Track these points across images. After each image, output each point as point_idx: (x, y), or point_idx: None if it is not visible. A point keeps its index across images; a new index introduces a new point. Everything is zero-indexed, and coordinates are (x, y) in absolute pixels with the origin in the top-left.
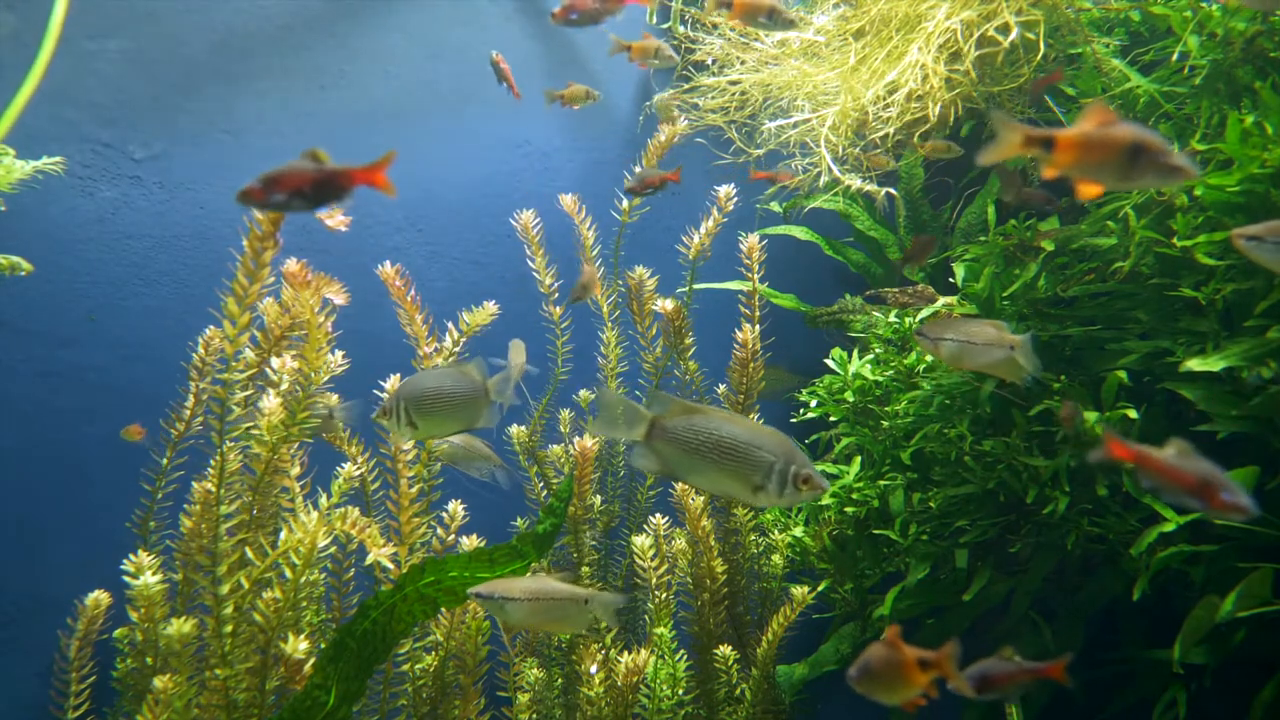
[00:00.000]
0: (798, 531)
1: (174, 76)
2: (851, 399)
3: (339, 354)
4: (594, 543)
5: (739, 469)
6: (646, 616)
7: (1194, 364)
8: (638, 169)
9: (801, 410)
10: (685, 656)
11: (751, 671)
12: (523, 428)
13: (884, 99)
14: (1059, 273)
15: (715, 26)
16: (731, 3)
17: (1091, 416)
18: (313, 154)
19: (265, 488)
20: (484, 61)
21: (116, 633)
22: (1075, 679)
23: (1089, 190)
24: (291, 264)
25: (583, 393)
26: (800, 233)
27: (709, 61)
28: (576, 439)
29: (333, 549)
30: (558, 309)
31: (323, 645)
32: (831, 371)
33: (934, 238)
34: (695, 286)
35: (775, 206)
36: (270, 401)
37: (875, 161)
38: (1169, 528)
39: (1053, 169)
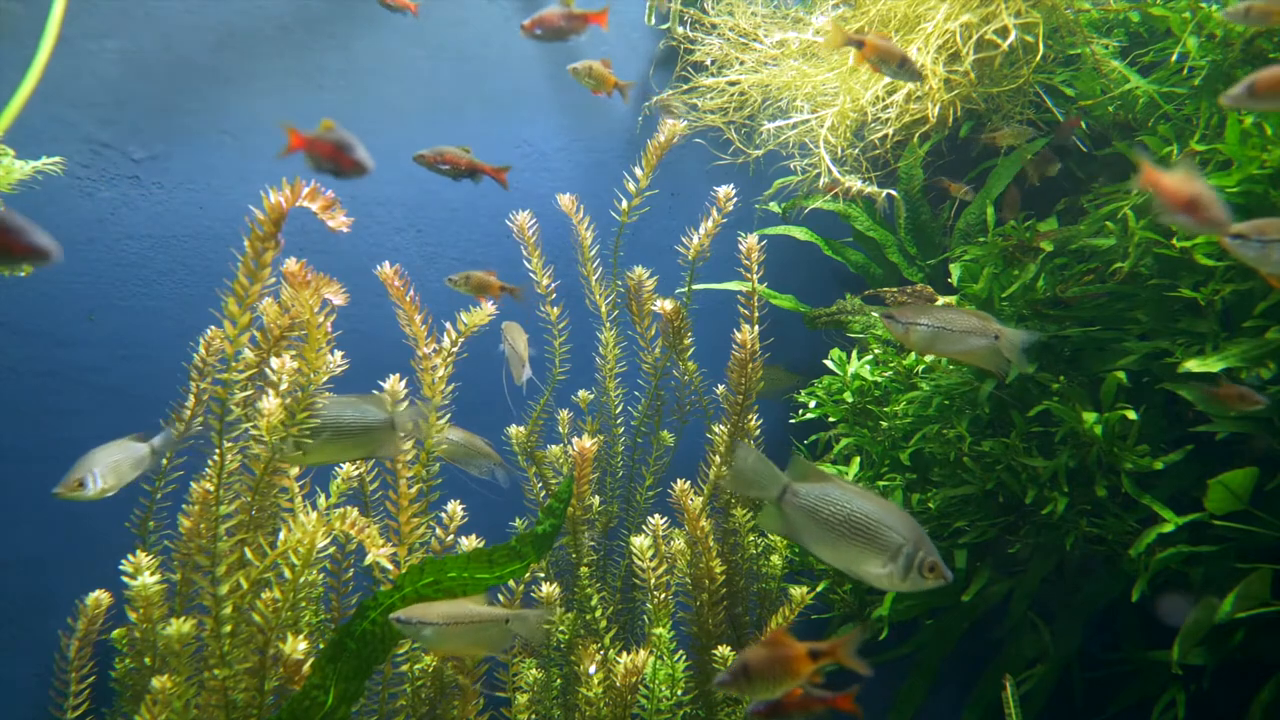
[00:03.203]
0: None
1: (173, 77)
2: (850, 400)
3: (338, 354)
4: (593, 543)
5: (867, 547)
6: (645, 617)
7: (1193, 365)
8: (441, 148)
9: (801, 411)
10: (684, 657)
11: None
12: (521, 428)
13: (883, 100)
14: (1058, 273)
15: (714, 27)
16: (863, 44)
17: (1090, 417)
18: None
19: (264, 488)
20: (484, 63)
21: (114, 633)
22: (1075, 679)
23: None
24: (291, 264)
25: (581, 393)
26: (799, 233)
27: (708, 62)
28: (575, 439)
29: (332, 549)
30: (555, 309)
31: (321, 645)
32: (830, 372)
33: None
34: (694, 287)
35: (774, 207)
36: (270, 402)
37: (956, 190)
38: (1168, 528)
39: None
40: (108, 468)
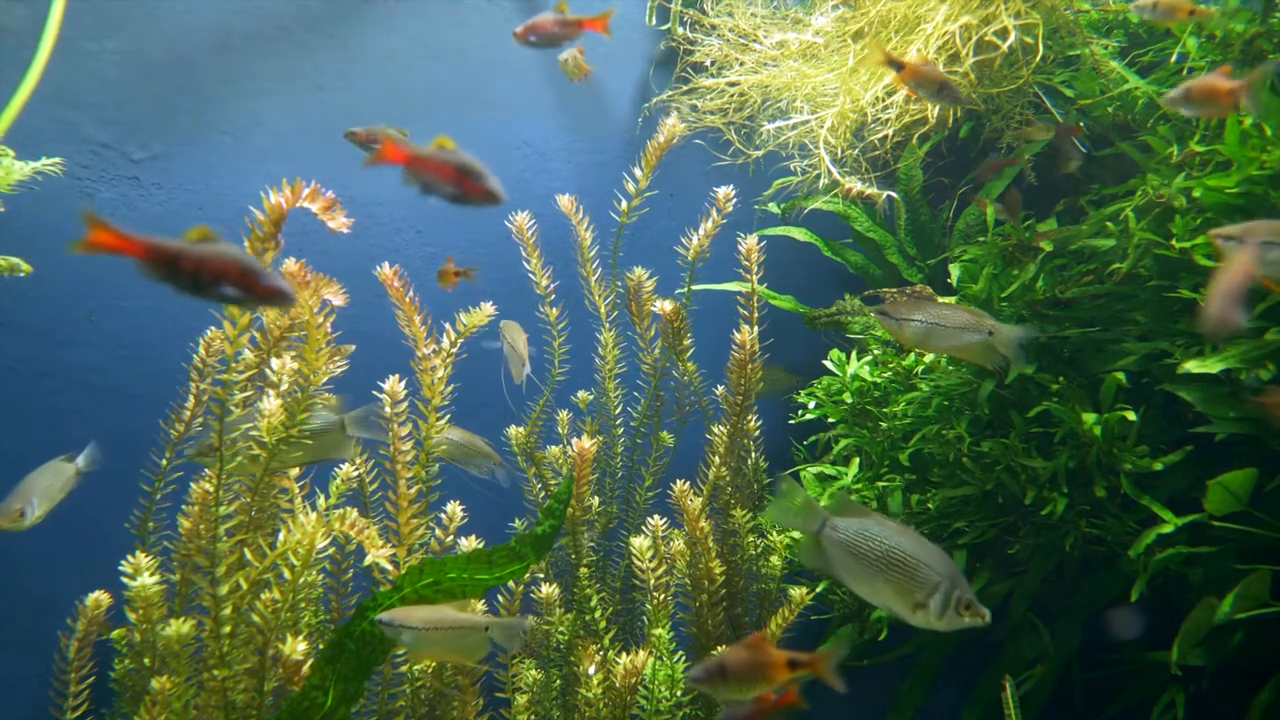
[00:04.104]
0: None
1: (173, 77)
2: (850, 400)
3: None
4: (592, 544)
5: (904, 584)
6: (645, 618)
7: (1192, 365)
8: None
9: (800, 412)
10: (683, 658)
11: None
12: (520, 429)
13: (883, 100)
14: (1057, 274)
15: (714, 28)
16: (903, 66)
17: (1089, 418)
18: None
19: (264, 489)
20: (484, 63)
21: (114, 634)
22: (1075, 680)
23: None
24: (290, 264)
25: (581, 394)
26: (799, 234)
27: (708, 63)
28: (574, 440)
29: (331, 550)
30: (554, 310)
31: (321, 646)
32: (830, 373)
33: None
34: (694, 287)
35: (774, 208)
36: (270, 403)
37: (996, 212)
38: (1167, 529)
39: None
40: (43, 494)
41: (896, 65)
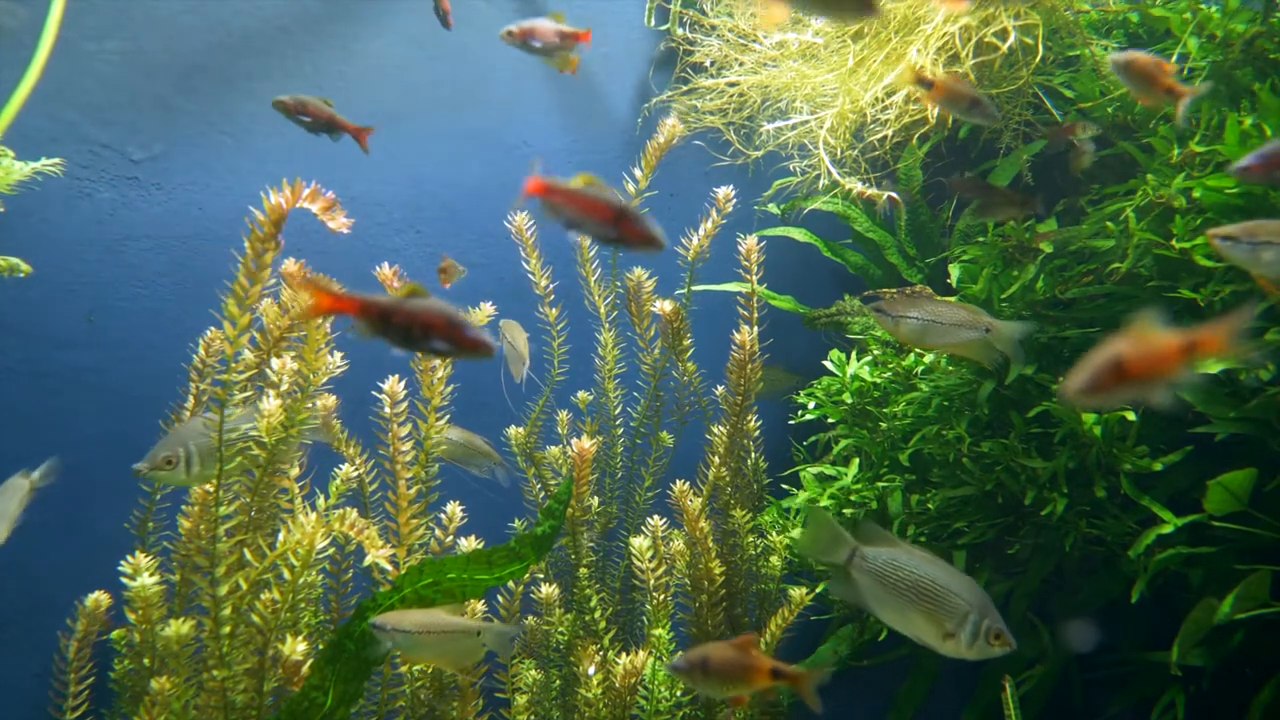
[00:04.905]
0: (796, 533)
1: (173, 77)
2: (850, 400)
3: (338, 355)
4: (592, 544)
5: (933, 613)
6: (644, 618)
7: None
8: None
9: (800, 412)
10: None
11: None
12: (520, 429)
13: (882, 101)
14: (1057, 274)
15: (714, 28)
16: (933, 84)
17: (1089, 418)
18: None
19: (264, 489)
20: (483, 64)
21: (114, 634)
22: (1074, 680)
23: None
24: (290, 265)
25: (580, 394)
26: (798, 234)
27: (707, 64)
28: (574, 440)
29: (331, 550)
30: (554, 310)
31: (321, 647)
32: (830, 373)
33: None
34: (694, 288)
35: (774, 208)
36: (270, 403)
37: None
38: (1167, 529)
39: None
40: (1, 515)
41: (926, 83)
